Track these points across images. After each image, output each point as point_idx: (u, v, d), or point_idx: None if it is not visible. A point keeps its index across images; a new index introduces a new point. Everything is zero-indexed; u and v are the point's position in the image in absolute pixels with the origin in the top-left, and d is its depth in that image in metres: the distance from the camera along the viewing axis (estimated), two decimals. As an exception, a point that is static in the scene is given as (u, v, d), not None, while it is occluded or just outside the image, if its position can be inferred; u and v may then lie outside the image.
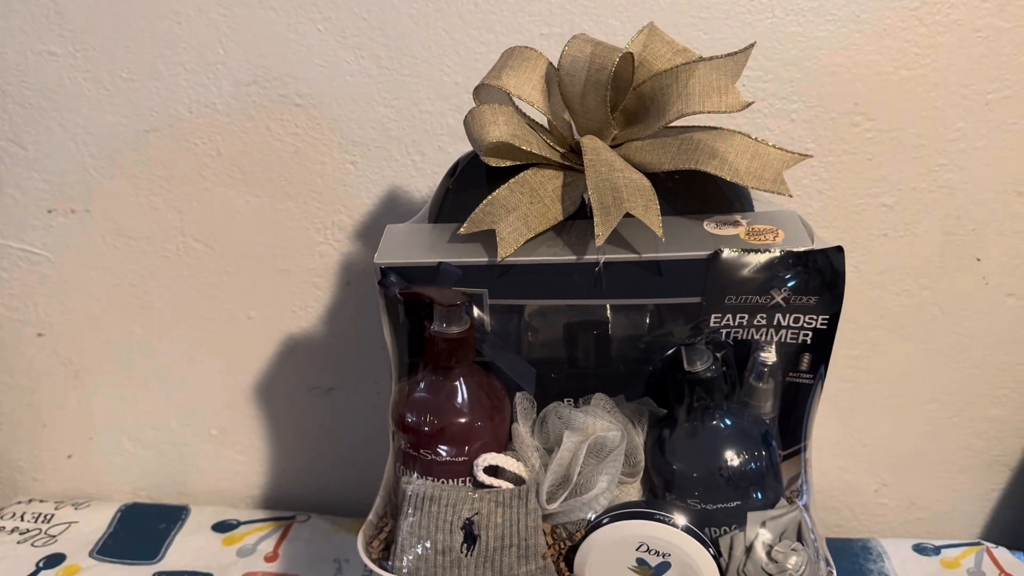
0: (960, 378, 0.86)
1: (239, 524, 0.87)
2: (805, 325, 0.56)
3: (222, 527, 0.87)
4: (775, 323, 0.56)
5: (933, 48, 0.75)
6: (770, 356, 0.56)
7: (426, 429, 0.55)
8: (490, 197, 0.56)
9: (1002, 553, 0.83)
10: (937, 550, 0.84)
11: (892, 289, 0.83)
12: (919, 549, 0.84)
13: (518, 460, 0.56)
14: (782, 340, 0.57)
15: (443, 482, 0.55)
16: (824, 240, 0.56)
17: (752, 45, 0.56)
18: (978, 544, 0.85)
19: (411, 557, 0.53)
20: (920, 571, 0.81)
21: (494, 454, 0.55)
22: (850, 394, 0.87)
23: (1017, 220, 0.80)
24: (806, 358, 0.57)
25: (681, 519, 0.52)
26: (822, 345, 0.56)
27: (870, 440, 0.88)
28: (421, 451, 0.55)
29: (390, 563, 0.54)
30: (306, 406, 0.91)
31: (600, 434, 0.55)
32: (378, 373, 0.87)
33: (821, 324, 0.56)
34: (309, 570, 0.80)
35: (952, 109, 0.77)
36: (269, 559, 0.82)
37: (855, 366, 0.86)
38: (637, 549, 0.52)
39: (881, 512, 0.91)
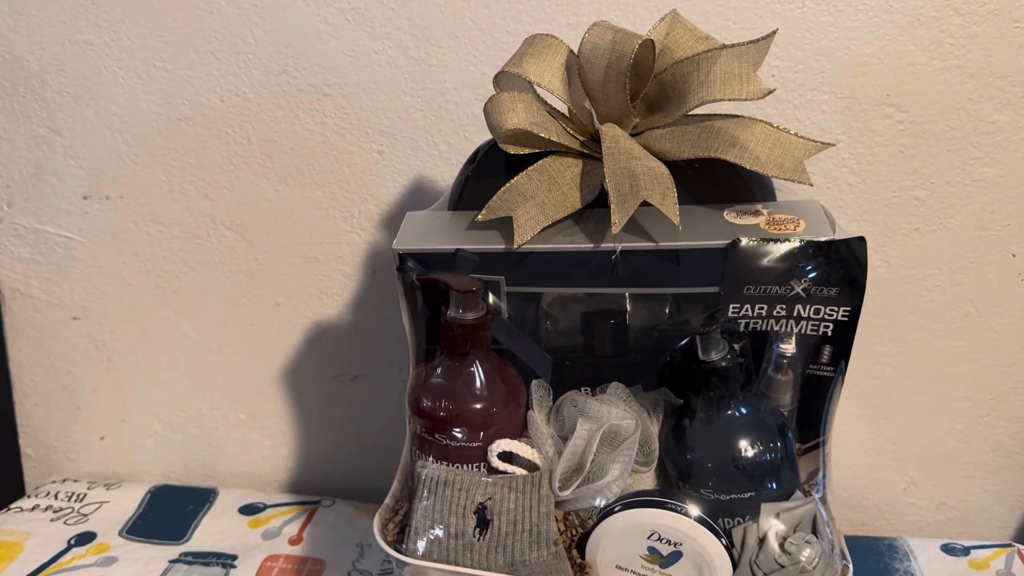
0: (993, 376, 0.84)
1: (265, 507, 0.89)
2: (826, 317, 0.55)
3: (249, 510, 0.88)
4: (795, 314, 0.55)
5: (969, 39, 0.74)
6: (789, 347, 0.56)
7: (442, 414, 0.55)
8: (508, 184, 0.56)
9: (1034, 556, 0.81)
10: (966, 551, 0.82)
11: (924, 284, 0.81)
12: (947, 549, 0.82)
13: (532, 447, 0.56)
14: (802, 332, 0.56)
15: (457, 467, 0.56)
16: (847, 231, 0.55)
17: (774, 32, 0.55)
18: (1009, 546, 0.83)
19: (424, 540, 0.54)
20: (947, 571, 0.79)
21: (508, 440, 0.55)
22: (879, 390, 0.85)
23: (1055, 216, 0.78)
24: (827, 351, 0.56)
25: (694, 509, 0.52)
26: (843, 338, 0.56)
27: (899, 438, 0.87)
28: (436, 435, 0.56)
29: (404, 546, 0.55)
30: (332, 392, 0.92)
31: (614, 422, 0.55)
32: (403, 361, 0.87)
33: (842, 316, 0.55)
34: (332, 554, 0.81)
35: (988, 101, 0.75)
36: (293, 542, 0.83)
37: (884, 362, 0.84)
38: (649, 537, 0.52)
39: (909, 511, 0.90)
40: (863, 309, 0.81)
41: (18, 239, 0.90)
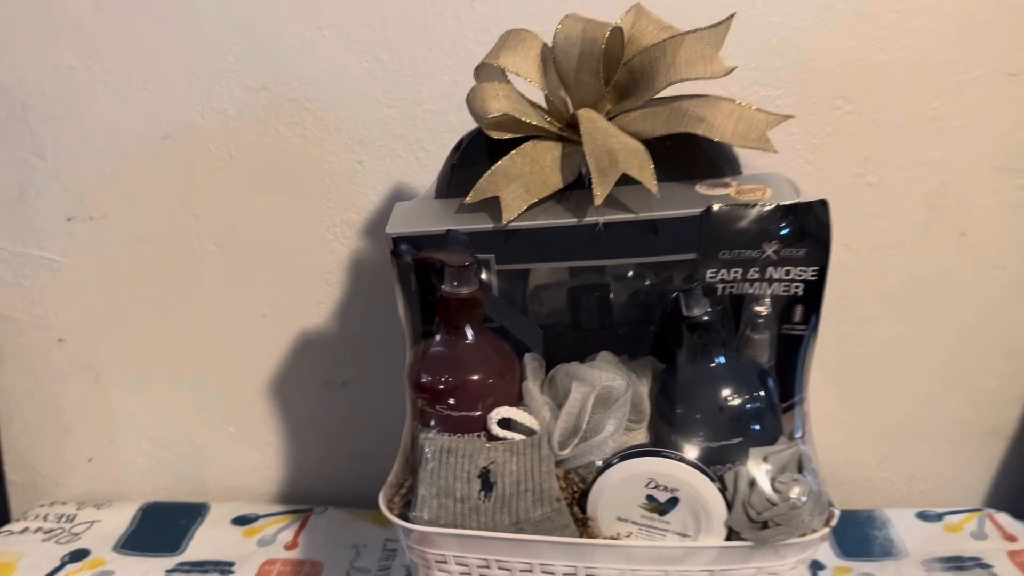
0: (954, 351, 0.88)
1: (258, 517, 0.89)
2: (796, 277, 0.59)
3: (242, 520, 0.89)
4: (767, 276, 0.59)
5: (907, 32, 0.79)
6: (764, 308, 0.59)
7: (442, 386, 0.58)
8: (493, 167, 0.59)
9: (1003, 517, 0.85)
10: (940, 516, 0.86)
11: (883, 266, 0.86)
12: (922, 516, 0.86)
13: (530, 414, 0.58)
14: (775, 293, 0.60)
15: (459, 436, 0.58)
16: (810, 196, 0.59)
17: (732, 16, 0.60)
18: (980, 510, 0.87)
19: (432, 506, 0.56)
20: (924, 534, 0.83)
21: (507, 407, 0.58)
22: (847, 370, 0.89)
23: (996, 194, 0.83)
24: (798, 310, 0.60)
25: (688, 455, 0.55)
26: (813, 296, 0.59)
27: (869, 415, 0.91)
28: (437, 407, 0.58)
29: (412, 514, 0.57)
30: (321, 401, 0.93)
31: (606, 384, 0.57)
32: (390, 366, 0.89)
33: (811, 275, 0.59)
34: (329, 555, 0.82)
35: (928, 90, 0.81)
36: (289, 547, 0.84)
37: (851, 342, 0.88)
38: (646, 486, 0.54)
39: (884, 486, 0.93)
40: (830, 288, 0.84)
41: (1, 263, 0.90)
